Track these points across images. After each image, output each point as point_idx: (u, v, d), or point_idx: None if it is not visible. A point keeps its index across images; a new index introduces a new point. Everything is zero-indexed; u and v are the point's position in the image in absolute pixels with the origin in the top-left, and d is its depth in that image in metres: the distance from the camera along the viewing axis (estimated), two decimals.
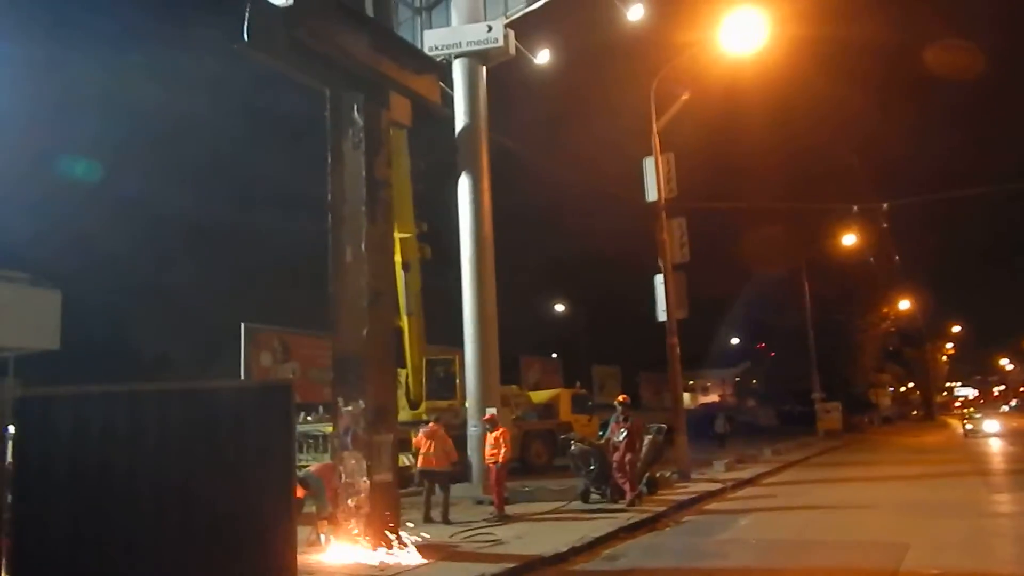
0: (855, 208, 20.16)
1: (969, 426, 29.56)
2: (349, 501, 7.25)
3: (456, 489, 10.87)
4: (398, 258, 13.68)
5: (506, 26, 12.99)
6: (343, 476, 7.30)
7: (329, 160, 7.61)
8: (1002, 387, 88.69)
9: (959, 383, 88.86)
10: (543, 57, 14.47)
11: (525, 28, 13.65)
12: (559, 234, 33.26)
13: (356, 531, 7.15)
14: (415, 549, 7.20)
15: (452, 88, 12.99)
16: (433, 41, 12.94)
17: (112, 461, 5.18)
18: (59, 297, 15.64)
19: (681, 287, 15.01)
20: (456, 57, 13.01)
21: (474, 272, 12.73)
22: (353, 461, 7.28)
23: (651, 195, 15.16)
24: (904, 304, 44.95)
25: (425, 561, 6.95)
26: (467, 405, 12.86)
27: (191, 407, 5.33)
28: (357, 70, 7.38)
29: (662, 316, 14.88)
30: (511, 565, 6.91)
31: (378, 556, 7.01)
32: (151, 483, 5.19)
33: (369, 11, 7.91)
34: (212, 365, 19.42)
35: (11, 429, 5.30)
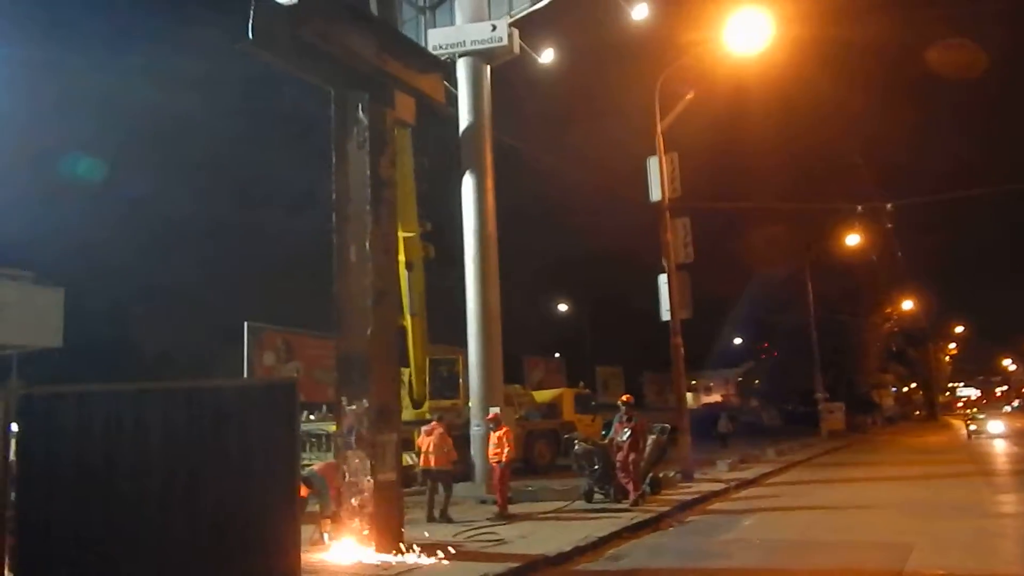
0: (859, 208, 20.12)
1: (973, 427, 28.71)
2: (353, 500, 7.24)
3: (459, 488, 10.87)
4: (401, 257, 13.70)
5: (510, 25, 12.97)
6: (347, 475, 7.30)
7: (333, 159, 7.61)
8: (1005, 387, 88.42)
9: (962, 383, 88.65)
10: (547, 56, 14.45)
11: (529, 27, 13.63)
12: (562, 233, 33.26)
13: (360, 530, 7.14)
14: (418, 548, 7.20)
15: (456, 87, 12.97)
16: (437, 40, 12.93)
17: (116, 460, 5.18)
18: (62, 295, 15.68)
19: (685, 287, 14.99)
20: (460, 56, 12.99)
21: (478, 271, 12.71)
22: (357, 460, 7.28)
23: (655, 195, 15.13)
24: (907, 304, 44.84)
25: (428, 560, 6.94)
26: (470, 404, 12.85)
27: (195, 406, 5.33)
28: (362, 69, 7.38)
29: (666, 316, 14.86)
30: (515, 565, 6.91)
31: (381, 555, 7.00)
32: (155, 482, 5.19)
33: (373, 10, 7.91)
34: (215, 364, 19.45)
35: (14, 427, 5.31)
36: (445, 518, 9.68)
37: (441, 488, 9.84)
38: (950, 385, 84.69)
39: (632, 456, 10.74)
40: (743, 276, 37.57)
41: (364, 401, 7.30)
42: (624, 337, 36.23)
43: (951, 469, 16.22)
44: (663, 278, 14.97)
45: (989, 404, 65.08)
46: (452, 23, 13.38)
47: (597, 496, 11.04)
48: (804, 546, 8.12)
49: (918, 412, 62.60)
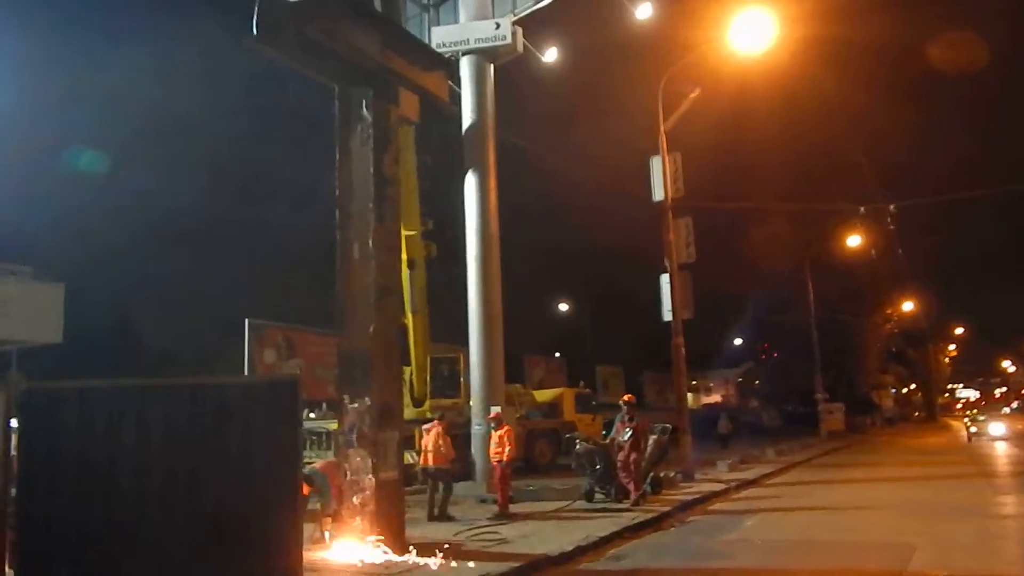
0: (861, 209, 20.10)
1: (973, 429, 28.25)
2: (354, 499, 7.22)
3: (460, 487, 10.86)
4: (403, 256, 13.66)
5: (514, 23, 12.95)
6: (348, 473, 7.28)
7: (337, 156, 7.58)
8: (1004, 389, 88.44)
9: (961, 384, 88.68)
10: (551, 55, 14.42)
11: (533, 26, 13.60)
12: (563, 232, 33.21)
13: (361, 529, 7.13)
14: (420, 547, 7.18)
15: (459, 85, 12.94)
16: (441, 38, 12.90)
17: (117, 456, 5.16)
18: (62, 291, 15.64)
19: (687, 287, 14.98)
20: (463, 54, 12.96)
21: (480, 270, 12.70)
22: (358, 459, 7.26)
23: (658, 195, 15.11)
24: (908, 305, 44.84)
25: (430, 559, 6.92)
26: (471, 403, 12.84)
27: (198, 403, 5.31)
28: (366, 65, 7.35)
29: (668, 316, 14.84)
30: (517, 564, 6.89)
31: (383, 554, 6.98)
32: (156, 479, 5.17)
33: (377, 7, 7.88)
34: (216, 360, 19.42)
35: (14, 423, 5.28)
36: (445, 517, 9.68)
37: (440, 487, 9.84)
38: (949, 386, 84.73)
39: (633, 456, 10.73)
40: (744, 276, 37.56)
41: (366, 399, 7.28)
42: (625, 337, 36.21)
43: (952, 470, 16.22)
44: (665, 278, 14.96)
45: (988, 406, 65.09)
46: (456, 21, 13.36)
47: (598, 496, 11.03)
48: (806, 546, 8.11)
49: (917, 413, 62.63)
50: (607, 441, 11.39)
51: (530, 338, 27.53)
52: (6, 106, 16.78)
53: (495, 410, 11.04)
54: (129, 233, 21.92)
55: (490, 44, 12.84)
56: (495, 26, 12.83)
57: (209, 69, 20.85)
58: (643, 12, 13.92)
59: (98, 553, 5.10)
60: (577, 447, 11.49)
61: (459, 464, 11.09)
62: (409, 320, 14.49)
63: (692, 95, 15.06)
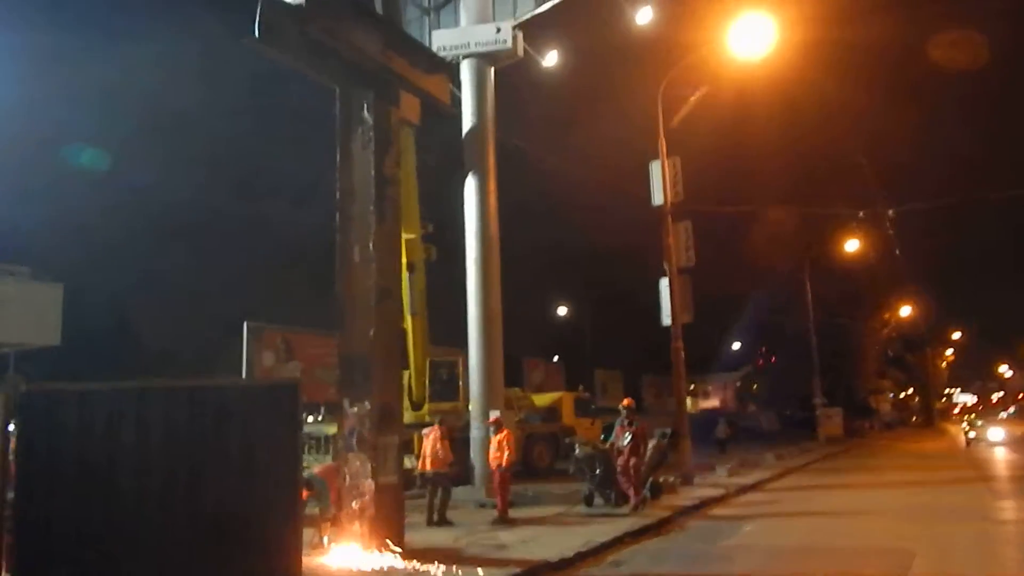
0: (860, 214, 20.14)
1: (972, 434, 27.88)
2: (353, 503, 7.18)
3: (458, 492, 10.81)
4: (403, 259, 13.64)
5: (515, 28, 12.95)
6: (348, 478, 7.24)
7: (338, 158, 7.56)
8: (1001, 394, 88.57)
9: (959, 389, 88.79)
10: (551, 59, 14.43)
11: (534, 30, 13.62)
12: (562, 234, 33.22)
13: (360, 534, 7.08)
14: (419, 553, 7.14)
15: (459, 88, 12.94)
16: (441, 41, 12.90)
17: (117, 458, 5.12)
18: (60, 292, 15.57)
19: (687, 291, 14.97)
20: (464, 58, 12.97)
21: (480, 273, 12.67)
22: (358, 463, 7.22)
23: (657, 199, 15.12)
24: (906, 310, 44.91)
25: (430, 566, 6.88)
26: (470, 407, 12.80)
27: (197, 405, 5.28)
28: (368, 66, 7.34)
29: (667, 320, 14.83)
30: (517, 570, 6.85)
31: (382, 559, 6.94)
32: (156, 481, 5.13)
33: (378, 9, 7.87)
34: (214, 362, 19.36)
35: (12, 427, 5.24)
36: (444, 522, 9.63)
37: (439, 492, 9.79)
38: (947, 391, 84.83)
39: (633, 461, 10.70)
40: (744, 279, 37.60)
41: (366, 403, 7.24)
42: (623, 340, 36.21)
43: (951, 475, 16.21)
44: (664, 282, 14.95)
45: (985, 410, 65.19)
46: (456, 25, 13.36)
47: (597, 501, 10.98)
48: (807, 552, 8.08)
49: (915, 418, 62.69)
50: (607, 446, 11.35)
51: (529, 341, 27.52)
52: (4, 103, 16.71)
53: (494, 414, 11.01)
54: (128, 232, 21.86)
55: (491, 48, 12.84)
56: (496, 30, 12.83)
57: (209, 66, 20.83)
58: (643, 16, 13.96)
59: (98, 554, 5.06)
60: (576, 452, 11.44)
61: (457, 468, 11.03)
62: (408, 323, 14.46)
63: (699, 92, 15.08)
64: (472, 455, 12.33)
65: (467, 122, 12.96)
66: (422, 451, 10.05)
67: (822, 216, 26.39)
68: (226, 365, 18.27)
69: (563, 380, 30.50)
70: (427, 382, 15.21)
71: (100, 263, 20.31)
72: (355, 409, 7.29)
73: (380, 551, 6.98)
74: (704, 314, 16.94)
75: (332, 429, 13.57)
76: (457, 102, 12.71)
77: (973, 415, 42.26)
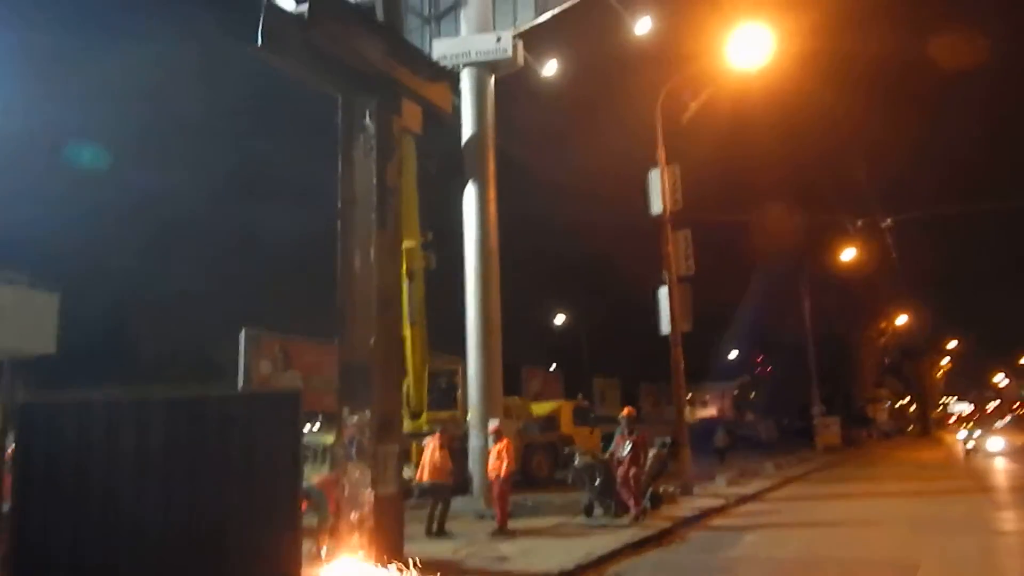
0: (859, 223, 20.21)
1: (971, 444, 27.56)
2: (352, 514, 7.08)
3: (457, 503, 10.71)
4: (403, 267, 13.60)
5: (515, 37, 13.02)
6: (347, 488, 7.15)
7: (339, 165, 7.53)
8: (996, 403, 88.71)
9: (954, 398, 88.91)
10: (551, 68, 14.50)
11: (533, 39, 13.68)
12: (559, 243, 33.24)
13: (359, 546, 6.98)
14: (419, 565, 7.05)
15: (459, 97, 12.97)
16: (442, 50, 12.95)
17: (116, 471, 5.05)
18: (56, 300, 15.45)
19: (686, 300, 14.96)
20: (464, 66, 13.01)
21: (479, 281, 12.65)
22: (358, 473, 7.13)
23: (656, 207, 15.14)
24: (902, 319, 45.02)
25: None
26: (469, 416, 12.73)
27: (198, 416, 5.21)
28: (371, 75, 7.33)
29: (667, 329, 14.80)
30: None
31: (381, 572, 6.84)
32: (156, 493, 5.06)
33: (380, 18, 7.87)
34: (210, 371, 19.22)
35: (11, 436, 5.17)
36: (443, 533, 9.54)
37: (439, 502, 9.71)
38: (943, 400, 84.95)
39: (633, 471, 10.63)
40: (740, 289, 37.66)
41: (366, 412, 7.17)
42: (620, 348, 36.13)
43: (951, 485, 16.19)
44: (664, 291, 14.94)
45: (981, 420, 65.26)
46: (457, 34, 13.42)
47: (597, 511, 10.90)
48: (809, 563, 8.03)
49: (911, 427, 62.71)
50: (607, 455, 11.28)
51: (526, 349, 27.45)
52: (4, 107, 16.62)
53: (494, 423, 10.93)
54: (124, 240, 21.79)
55: (491, 57, 12.89)
56: (496, 39, 12.90)
57: (208, 71, 20.83)
58: (642, 27, 14.04)
59: (96, 565, 4.97)
60: (576, 461, 11.38)
61: (452, 477, 10.94)
62: (407, 331, 14.38)
63: (706, 93, 15.14)
64: (471, 464, 12.25)
65: (467, 130, 12.99)
66: (421, 460, 9.96)
67: (820, 225, 26.49)
68: (223, 373, 18.14)
69: (561, 388, 30.39)
70: (425, 391, 15.11)
71: (96, 270, 20.22)
72: (355, 418, 7.20)
73: (379, 563, 6.89)
74: (702, 322, 16.93)
75: (330, 439, 13.44)
76: (457, 111, 12.73)
77: (970, 424, 42.25)
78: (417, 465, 10.88)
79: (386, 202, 7.51)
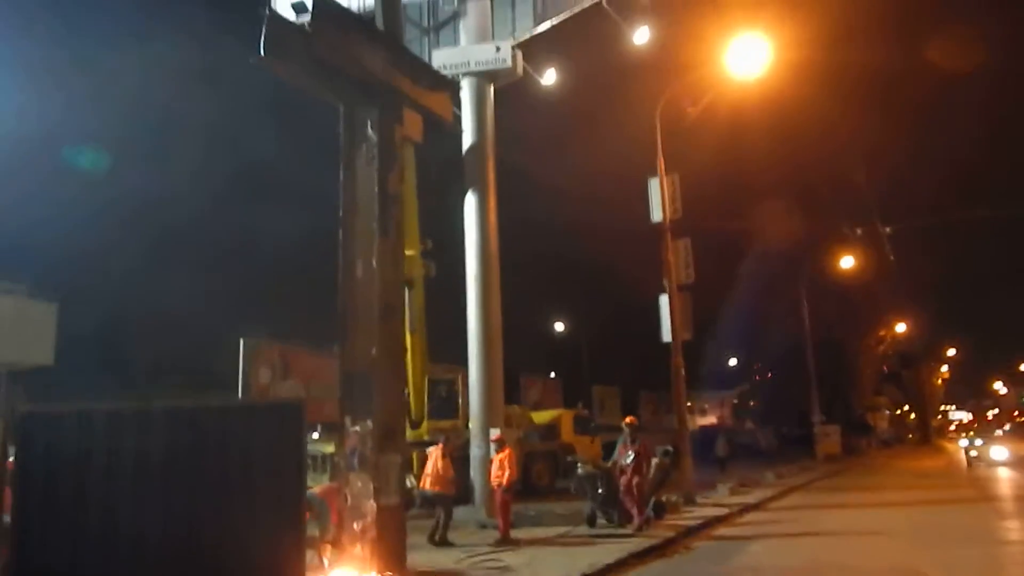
0: (858, 231, 20.27)
1: (973, 453, 26.74)
2: (355, 525, 7.01)
3: (459, 512, 10.63)
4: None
5: (514, 47, 13.08)
6: (349, 498, 7.07)
7: (341, 174, 7.52)
8: (996, 411, 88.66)
9: (954, 406, 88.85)
10: (550, 77, 14.56)
11: (532, 49, 13.75)
12: (558, 249, 33.26)
13: (361, 556, 6.90)
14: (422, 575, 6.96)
15: (459, 107, 13.00)
16: (441, 60, 12.99)
17: (117, 481, 4.98)
18: (54, 311, 15.40)
19: (686, 308, 14.95)
20: (464, 76, 13.05)
21: (480, 289, 12.62)
22: (360, 483, 7.05)
23: (656, 215, 15.17)
24: (901, 327, 45.03)
25: None
26: (470, 425, 12.65)
27: (199, 427, 5.16)
28: (373, 85, 7.34)
29: (667, 337, 14.78)
30: None
31: None
32: (157, 503, 4.99)
33: (379, 27, 7.90)
34: (209, 379, 19.09)
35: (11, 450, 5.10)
36: (445, 543, 9.45)
37: (440, 512, 9.63)
38: (942, 408, 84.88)
39: (636, 480, 10.56)
40: (739, 296, 37.67)
41: (368, 421, 7.11)
42: (620, 357, 36.06)
43: (953, 494, 16.11)
44: (664, 299, 14.93)
45: (981, 428, 65.14)
46: (456, 44, 13.48)
47: (600, 521, 10.82)
48: (816, 573, 7.96)
49: (911, 435, 62.59)
50: (610, 464, 11.21)
51: (525, 357, 27.38)
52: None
53: (496, 432, 10.87)
54: (122, 248, 21.71)
55: (490, 67, 12.94)
56: (495, 49, 12.95)
57: (207, 78, 20.87)
58: (641, 36, 14.11)
59: None
60: (579, 470, 11.30)
61: (452, 486, 10.86)
62: (407, 340, 14.33)
63: (707, 98, 15.22)
64: (472, 474, 12.16)
65: (467, 140, 13.01)
66: (424, 469, 9.89)
67: (819, 232, 26.56)
68: (222, 382, 18.02)
69: (561, 397, 30.27)
70: (426, 400, 15.05)
71: (93, 279, 20.14)
72: (357, 428, 7.14)
73: (381, 574, 6.80)
74: (700, 330, 16.90)
75: (330, 448, 13.36)
76: (457, 120, 12.76)
77: (971, 432, 42.12)
78: (418, 475, 10.79)
79: (388, 210, 7.49)
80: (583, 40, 15.23)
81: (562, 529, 10.46)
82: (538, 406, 24.53)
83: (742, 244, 32.11)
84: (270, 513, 5.12)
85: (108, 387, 17.52)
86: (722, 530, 11.24)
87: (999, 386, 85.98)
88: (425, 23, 14.23)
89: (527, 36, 13.44)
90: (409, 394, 14.88)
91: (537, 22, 13.40)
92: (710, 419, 49.61)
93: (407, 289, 14.04)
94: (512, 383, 24.64)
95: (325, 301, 7.76)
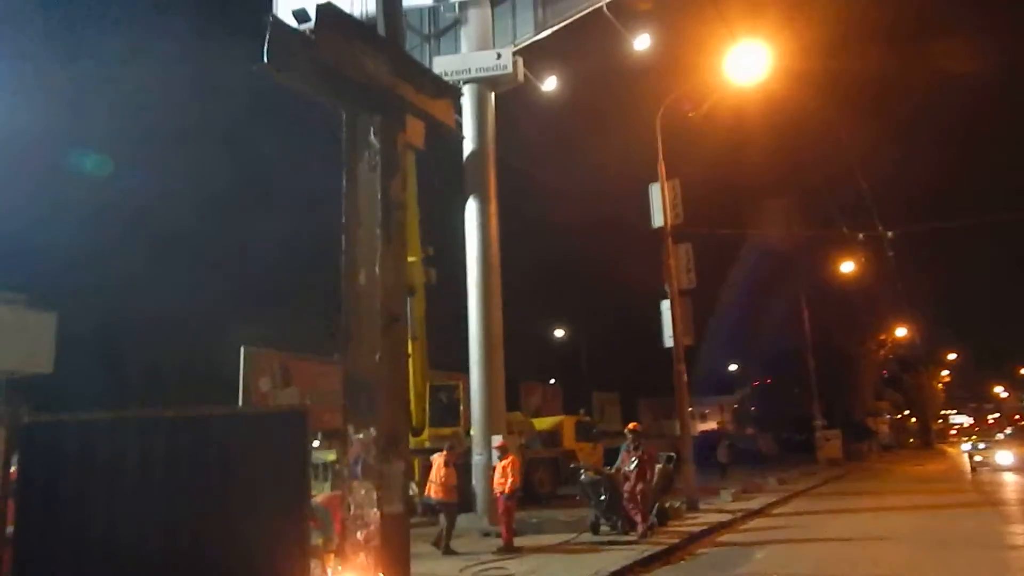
0: (860, 236, 20.29)
1: (978, 458, 25.52)
2: (358, 534, 6.95)
3: (461, 520, 10.57)
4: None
5: (515, 53, 13.12)
6: (352, 507, 7.02)
7: (344, 181, 7.50)
8: (996, 415, 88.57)
9: (954, 411, 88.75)
10: (550, 84, 14.60)
11: (533, 55, 13.80)
12: (559, 255, 33.27)
13: (364, 566, 6.84)
14: None
15: (460, 113, 13.03)
16: (442, 67, 13.02)
17: (119, 491, 4.94)
18: (54, 320, 15.36)
19: (687, 313, 14.94)
20: (465, 83, 13.09)
21: (481, 296, 12.60)
22: (363, 491, 7.00)
23: (657, 221, 15.18)
24: (901, 331, 45.04)
25: None
26: (472, 432, 12.60)
27: (204, 435, 5.12)
28: (376, 91, 7.34)
29: (669, 343, 14.75)
30: None
31: None
32: (161, 513, 4.94)
33: (381, 32, 7.90)
34: (208, 387, 19.03)
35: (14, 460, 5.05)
36: (448, 551, 9.40)
37: (442, 519, 9.58)
38: (943, 412, 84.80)
39: (640, 486, 10.51)
40: (738, 301, 37.67)
41: (372, 429, 7.07)
42: (619, 362, 36.00)
43: (957, 499, 16.05)
44: (666, 304, 14.92)
45: (982, 432, 65.02)
46: (457, 51, 13.52)
47: (604, 528, 10.76)
48: None
49: (912, 440, 62.49)
50: (613, 471, 11.16)
51: (525, 363, 27.32)
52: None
53: (499, 439, 10.82)
54: (122, 255, 21.66)
55: (491, 74, 12.98)
56: (496, 56, 13.00)
57: (206, 84, 20.89)
58: (641, 43, 14.17)
59: None
60: (583, 477, 11.25)
61: (453, 494, 10.79)
62: (408, 347, 14.30)
63: (708, 102, 15.26)
64: (474, 481, 12.10)
65: (468, 146, 13.03)
66: (429, 476, 9.86)
67: (819, 237, 26.57)
68: (221, 390, 17.95)
69: (561, 403, 30.20)
70: (427, 407, 15.01)
71: (92, 285, 20.09)
72: (360, 436, 7.09)
73: None
74: (699, 336, 16.87)
75: (331, 456, 13.32)
76: (458, 126, 12.78)
77: (974, 436, 41.95)
78: (420, 482, 10.72)
79: (391, 217, 7.47)
80: (584, 47, 15.30)
81: (565, 536, 10.39)
82: (538, 412, 24.47)
83: (741, 248, 32.14)
84: (274, 522, 5.08)
85: (107, 394, 17.46)
86: (726, 536, 11.17)
87: (999, 390, 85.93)
88: (426, 30, 14.29)
89: (528, 42, 13.51)
90: (411, 401, 14.85)
91: (538, 29, 13.46)
92: (710, 424, 49.51)
93: (408, 296, 14.03)
94: (512, 389, 24.55)
95: (325, 308, 7.75)
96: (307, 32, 6.72)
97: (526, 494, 15.58)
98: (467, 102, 13.13)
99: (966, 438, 41.39)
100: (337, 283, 7.52)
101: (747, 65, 14.38)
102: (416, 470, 12.47)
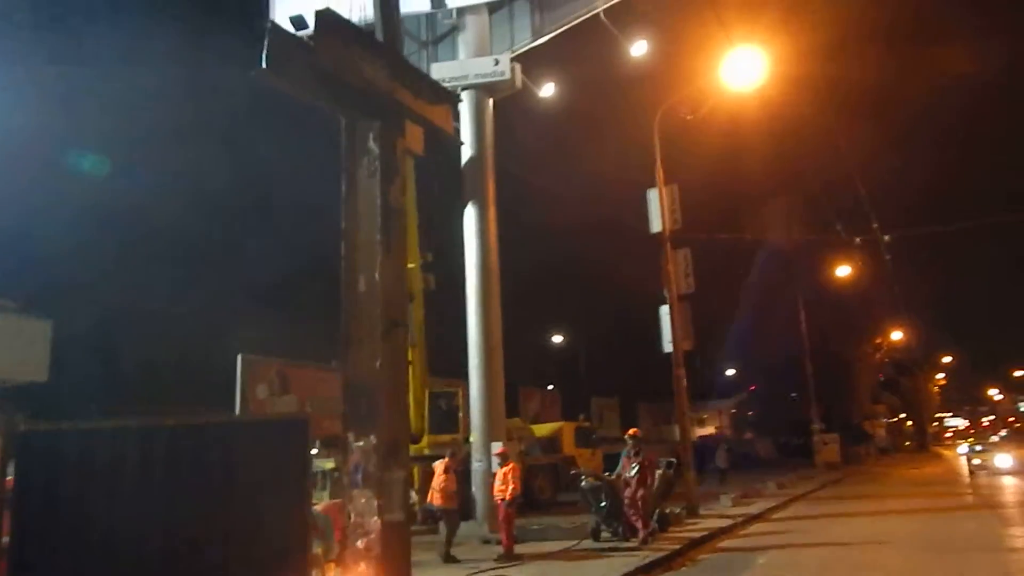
0: (857, 240, 20.36)
1: (976, 461, 24.95)
2: (359, 542, 6.89)
3: (461, 527, 10.50)
4: None
5: (513, 60, 13.14)
6: (352, 515, 6.96)
7: (343, 187, 7.48)
8: (991, 417, 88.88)
9: (949, 413, 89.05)
10: (548, 90, 14.62)
11: (531, 62, 13.83)
12: (557, 261, 33.25)
13: (365, 574, 6.78)
14: None
15: (458, 119, 13.03)
16: (440, 74, 13.02)
17: (118, 501, 4.87)
18: (48, 328, 15.23)
19: (686, 318, 14.94)
20: (463, 89, 13.09)
21: (480, 303, 12.57)
22: (363, 499, 6.94)
23: (655, 226, 15.19)
24: (897, 334, 45.20)
25: None
26: (471, 439, 12.54)
27: (203, 443, 5.06)
28: (375, 97, 7.33)
29: (668, 348, 14.74)
30: None
31: None
32: (160, 522, 4.88)
33: (379, 39, 7.89)
34: (206, 394, 18.89)
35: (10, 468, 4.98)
36: (449, 558, 9.33)
37: (442, 526, 9.52)
38: (938, 415, 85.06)
39: (640, 492, 10.47)
40: (736, 305, 37.74)
41: (372, 437, 7.01)
42: (618, 368, 35.97)
43: (956, 502, 16.08)
44: (665, 309, 14.91)
45: (977, 434, 65.17)
46: (455, 57, 13.53)
47: (605, 534, 10.71)
48: None
49: (908, 443, 62.61)
50: (614, 477, 11.12)
51: (524, 369, 27.25)
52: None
53: (500, 446, 10.77)
54: (117, 261, 21.55)
55: (489, 80, 12.99)
56: (494, 62, 13.01)
57: (205, 87, 20.84)
58: (638, 49, 14.22)
59: None
60: (583, 483, 11.20)
61: (453, 501, 10.72)
62: (408, 354, 14.24)
63: (706, 107, 15.33)
64: (474, 488, 12.03)
65: (466, 152, 13.03)
66: (432, 483, 9.80)
67: (815, 241, 26.66)
68: (219, 397, 17.83)
69: (560, 409, 30.12)
70: (426, 414, 14.94)
71: (89, 291, 19.96)
72: (361, 443, 7.03)
73: None
74: (699, 339, 16.86)
75: (329, 464, 13.23)
76: (456, 132, 12.78)
77: (971, 439, 42.02)
78: (419, 489, 10.65)
79: (390, 223, 7.44)
80: (581, 53, 15.35)
81: (566, 543, 10.34)
82: (537, 419, 24.39)
83: (738, 252, 32.19)
84: (275, 530, 5.02)
85: (102, 399, 17.32)
86: (727, 542, 11.13)
87: (994, 392, 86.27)
88: (424, 37, 14.31)
89: (526, 49, 13.53)
90: (409, 408, 14.77)
91: (535, 36, 13.49)
92: (709, 429, 49.45)
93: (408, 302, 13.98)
94: (511, 395, 24.47)
95: (324, 313, 7.70)
96: (306, 38, 6.73)
97: (526, 500, 15.49)
98: (465, 108, 13.14)
99: (962, 440, 41.45)
100: (336, 288, 7.49)
101: (744, 70, 14.45)
102: (416, 477, 12.39)
